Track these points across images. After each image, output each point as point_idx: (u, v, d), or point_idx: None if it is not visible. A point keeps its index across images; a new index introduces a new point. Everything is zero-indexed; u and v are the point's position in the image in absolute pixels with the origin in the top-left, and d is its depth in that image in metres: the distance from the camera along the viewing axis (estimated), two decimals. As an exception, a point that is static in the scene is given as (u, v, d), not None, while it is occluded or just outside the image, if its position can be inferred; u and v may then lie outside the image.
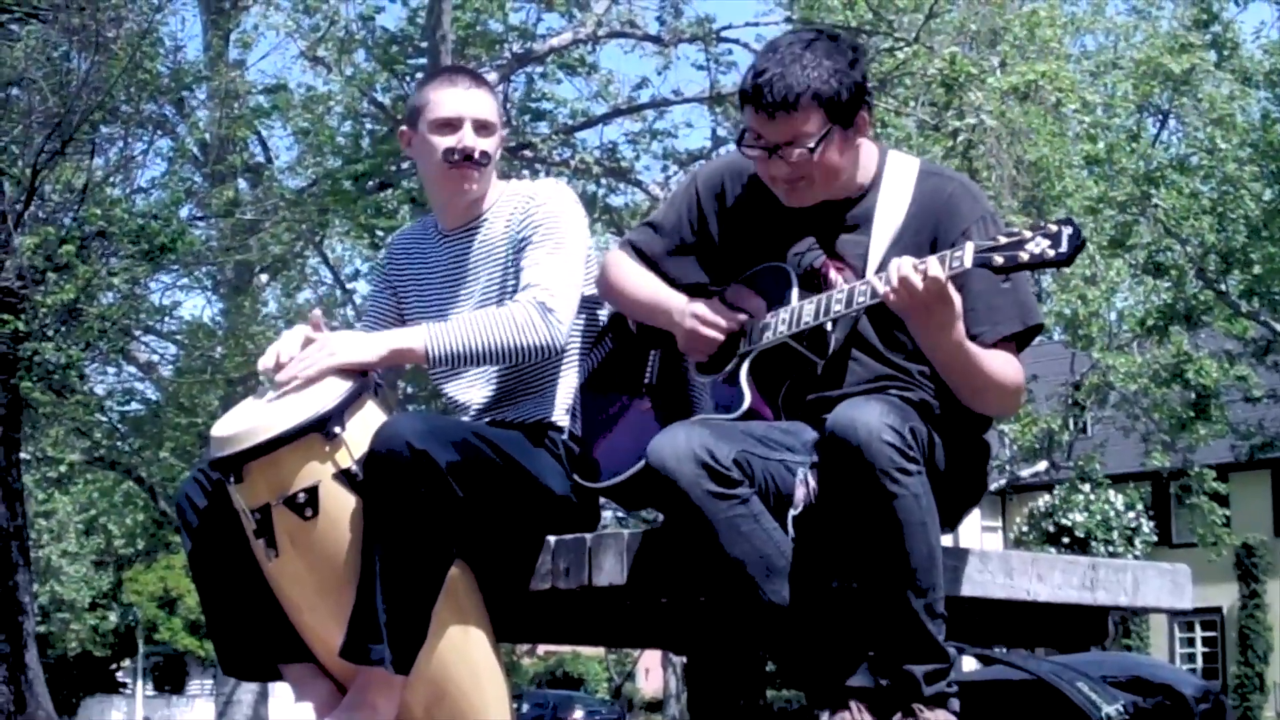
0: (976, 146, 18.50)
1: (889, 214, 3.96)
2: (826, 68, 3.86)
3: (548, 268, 4.20)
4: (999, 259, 3.59)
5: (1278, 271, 25.07)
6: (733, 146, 4.03)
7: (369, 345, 4.08)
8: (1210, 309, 26.05)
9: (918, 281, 3.61)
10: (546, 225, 4.28)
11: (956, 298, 3.66)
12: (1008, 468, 28.23)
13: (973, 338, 3.80)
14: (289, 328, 4.40)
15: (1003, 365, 3.83)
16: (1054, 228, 3.58)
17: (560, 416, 4.30)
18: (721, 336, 4.00)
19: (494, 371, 4.33)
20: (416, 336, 4.12)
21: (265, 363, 4.10)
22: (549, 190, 4.39)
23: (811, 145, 3.86)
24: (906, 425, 3.60)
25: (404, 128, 4.48)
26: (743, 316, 4.01)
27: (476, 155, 4.33)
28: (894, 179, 4.01)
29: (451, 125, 4.34)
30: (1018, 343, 3.92)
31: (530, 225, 4.29)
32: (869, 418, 3.57)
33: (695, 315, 4.03)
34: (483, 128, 4.35)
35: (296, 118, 20.11)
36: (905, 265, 3.64)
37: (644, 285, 4.19)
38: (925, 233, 3.88)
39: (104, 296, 15.52)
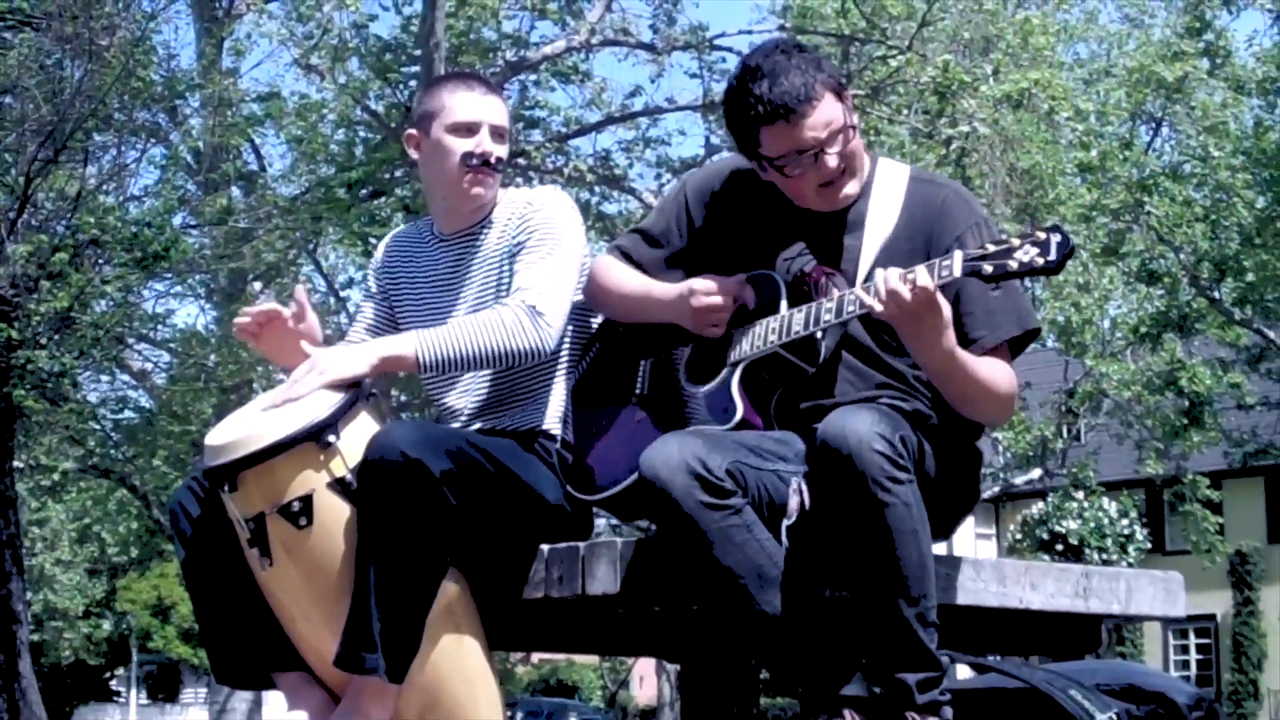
0: (969, 154, 18.50)
1: (880, 219, 3.97)
2: (812, 58, 3.92)
3: (539, 272, 4.21)
4: (988, 267, 3.60)
5: (1271, 279, 25.07)
6: (725, 154, 4.03)
7: (359, 357, 4.08)
8: (1203, 316, 26.05)
9: (905, 292, 3.62)
10: (541, 230, 4.28)
11: (946, 306, 3.67)
12: (1001, 475, 28.26)
13: (972, 342, 3.81)
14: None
15: (996, 372, 3.84)
16: (1042, 235, 3.59)
17: (553, 425, 4.30)
18: (731, 304, 4.00)
19: (487, 379, 4.33)
20: (406, 344, 4.12)
21: (239, 324, 4.21)
22: (546, 197, 4.39)
23: (853, 124, 3.91)
24: (897, 434, 3.61)
25: (412, 131, 4.46)
26: (741, 277, 4.01)
27: (494, 160, 4.34)
28: (884, 185, 4.03)
29: (470, 129, 4.34)
30: (1014, 347, 3.93)
31: (526, 230, 4.30)
32: (859, 427, 3.57)
33: (695, 290, 4.03)
34: (498, 134, 4.37)
35: (290, 126, 20.09)
36: (892, 276, 3.65)
37: (634, 282, 4.20)
38: (919, 239, 3.89)
39: (97, 304, 15.50)
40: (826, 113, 3.88)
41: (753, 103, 3.88)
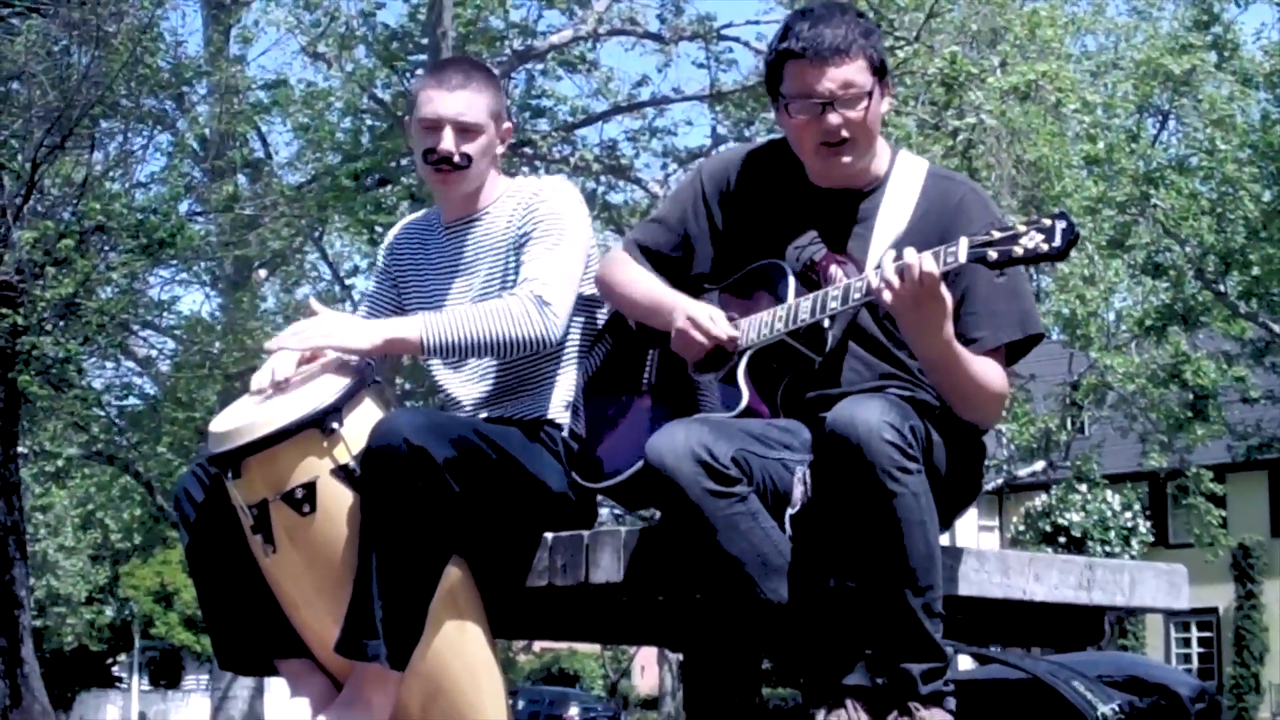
0: (976, 146, 18.49)
1: (895, 211, 3.97)
2: (864, 26, 3.94)
3: (546, 262, 4.21)
4: (993, 254, 3.59)
5: (1276, 273, 25.05)
6: (733, 143, 4.04)
7: (365, 332, 4.09)
8: (1209, 310, 26.03)
9: (911, 275, 3.62)
10: (548, 221, 4.27)
11: (948, 297, 3.67)
12: (1005, 467, 28.23)
13: (972, 341, 3.80)
14: (287, 323, 4.40)
15: (989, 372, 3.83)
16: (1047, 221, 3.58)
17: (558, 414, 4.30)
18: (709, 344, 4.00)
19: (492, 367, 4.33)
20: (412, 326, 4.12)
21: (258, 381, 4.11)
22: (553, 187, 4.39)
23: (869, 89, 3.89)
24: (906, 424, 3.60)
25: (408, 118, 4.50)
26: (735, 333, 4.00)
27: (456, 159, 4.32)
28: (902, 177, 4.02)
29: (433, 127, 4.33)
30: (1017, 350, 3.92)
31: (532, 220, 4.29)
32: (869, 416, 3.57)
33: (690, 319, 4.02)
34: (464, 130, 4.32)
35: (296, 113, 20.11)
36: (907, 256, 3.65)
37: (642, 284, 4.19)
38: (933, 235, 3.87)
39: (102, 291, 15.53)
40: (850, 73, 3.88)
41: (788, 35, 3.92)
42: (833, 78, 3.88)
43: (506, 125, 4.44)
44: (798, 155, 4.02)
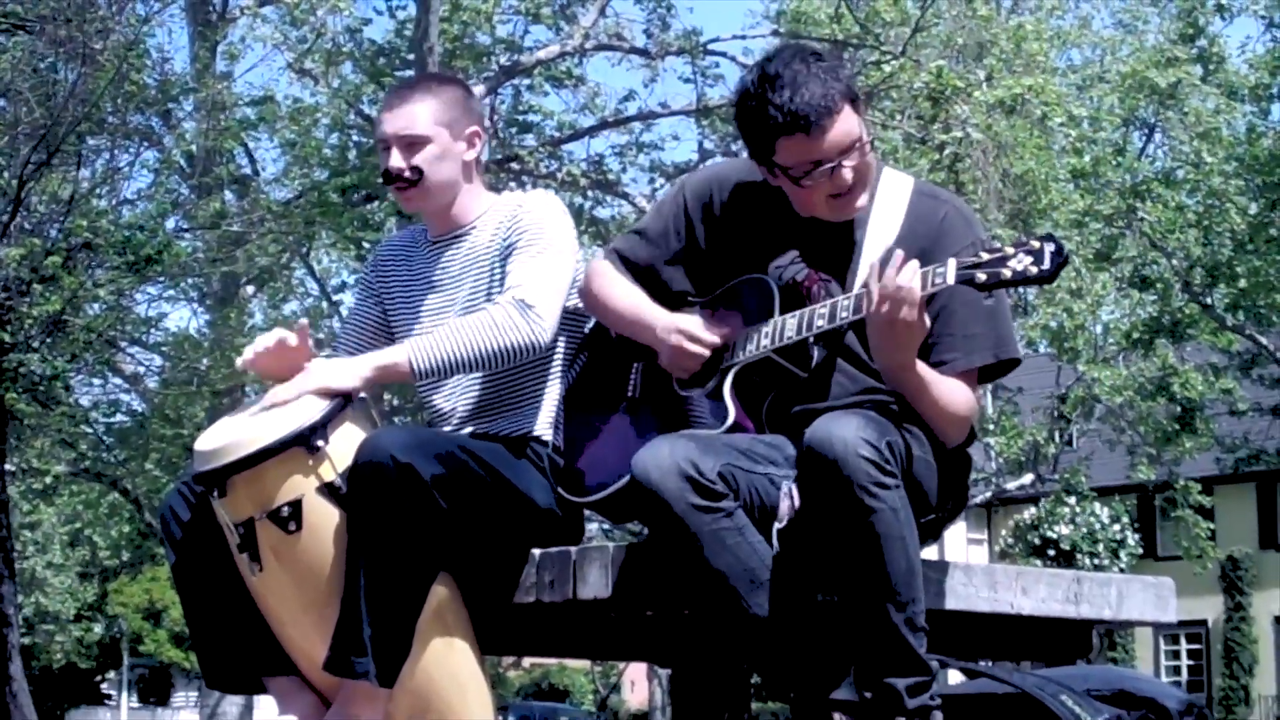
0: (963, 160, 18.52)
1: (881, 230, 3.96)
2: (829, 65, 3.88)
3: (529, 269, 4.19)
4: (982, 275, 3.59)
5: (1263, 285, 25.11)
6: (720, 159, 4.03)
7: (353, 369, 4.09)
8: (1196, 322, 26.06)
9: (889, 291, 3.62)
10: (531, 231, 4.26)
11: (926, 321, 3.67)
12: (993, 480, 28.24)
13: (944, 363, 3.81)
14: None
15: (953, 395, 3.83)
16: (1037, 244, 3.58)
17: (544, 430, 4.29)
18: (706, 354, 4.00)
19: (476, 382, 4.32)
20: (399, 353, 4.11)
21: (244, 359, 4.12)
22: (537, 199, 4.38)
23: (860, 131, 3.87)
24: (884, 439, 3.60)
25: None
26: (726, 330, 4.00)
27: (406, 174, 4.30)
28: (888, 195, 4.01)
29: (383, 148, 4.34)
30: (990, 374, 3.93)
31: (516, 231, 4.28)
32: (846, 432, 3.57)
33: (680, 332, 4.02)
34: (409, 144, 4.30)
35: (283, 130, 20.09)
36: (878, 276, 3.65)
37: (627, 298, 4.18)
38: (915, 252, 3.86)
39: (90, 308, 15.50)
40: (845, 125, 3.84)
41: (773, 112, 3.82)
42: (832, 138, 3.82)
43: (471, 130, 4.39)
44: (799, 210, 3.99)
